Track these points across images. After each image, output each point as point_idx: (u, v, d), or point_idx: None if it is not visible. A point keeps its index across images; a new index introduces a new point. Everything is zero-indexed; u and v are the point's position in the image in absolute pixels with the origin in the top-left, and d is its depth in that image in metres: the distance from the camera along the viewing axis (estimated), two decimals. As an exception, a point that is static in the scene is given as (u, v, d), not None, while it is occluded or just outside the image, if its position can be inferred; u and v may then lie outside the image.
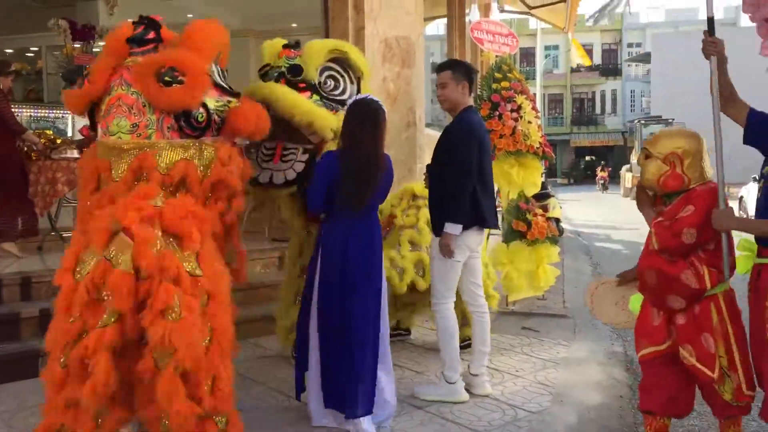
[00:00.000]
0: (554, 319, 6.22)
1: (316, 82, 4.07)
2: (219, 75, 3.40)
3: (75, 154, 6.38)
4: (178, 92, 3.03)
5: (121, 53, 3.21)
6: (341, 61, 4.23)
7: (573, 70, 45.47)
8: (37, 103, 9.37)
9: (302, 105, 3.88)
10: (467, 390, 4.14)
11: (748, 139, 3.11)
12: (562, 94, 46.67)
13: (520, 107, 6.42)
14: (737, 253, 3.21)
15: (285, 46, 4.23)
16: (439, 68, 4.23)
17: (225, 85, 3.42)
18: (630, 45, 46.43)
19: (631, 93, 45.90)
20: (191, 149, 3.16)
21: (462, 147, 3.98)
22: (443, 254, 3.98)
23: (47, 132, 7.23)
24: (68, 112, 8.49)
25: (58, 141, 6.75)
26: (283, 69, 4.05)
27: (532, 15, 12.64)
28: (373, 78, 6.36)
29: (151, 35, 3.24)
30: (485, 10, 11.36)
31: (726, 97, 3.19)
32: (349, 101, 3.71)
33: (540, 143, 6.48)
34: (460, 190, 3.94)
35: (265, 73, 4.17)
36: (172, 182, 3.09)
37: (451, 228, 3.92)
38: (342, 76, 4.21)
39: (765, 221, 3.03)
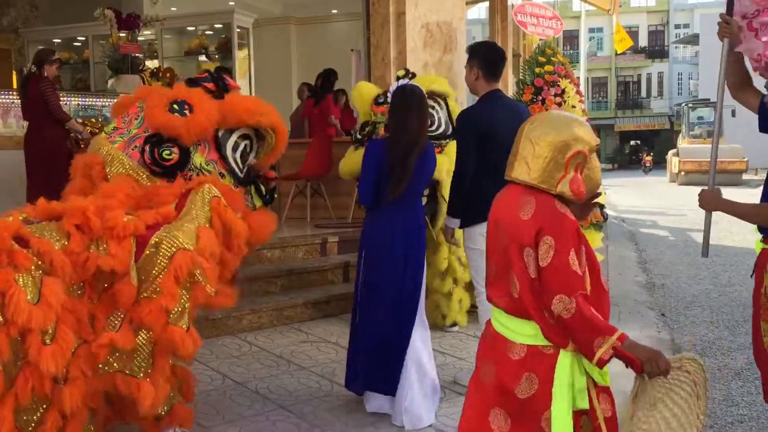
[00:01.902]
0: (598, 306, 6.13)
1: None
2: (233, 152, 3.25)
3: (121, 141, 6.47)
4: (176, 119, 2.99)
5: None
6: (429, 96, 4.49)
7: (617, 53, 44.56)
8: (84, 91, 9.55)
9: None
10: (510, 377, 4.12)
11: (763, 127, 2.98)
12: (607, 77, 45.78)
13: (563, 91, 6.33)
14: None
15: (377, 103, 4.89)
16: None
17: (233, 165, 3.25)
18: (677, 26, 45.25)
19: (679, 75, 44.82)
20: (141, 177, 3.04)
21: (458, 143, 3.99)
22: (445, 240, 4.22)
23: (92, 120, 7.36)
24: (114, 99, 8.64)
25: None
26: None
27: (576, -3, 12.39)
28: (414, 63, 6.34)
29: (210, 86, 3.26)
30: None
31: (739, 83, 3.05)
32: (391, 88, 3.70)
33: (584, 128, 6.40)
34: (453, 185, 3.98)
35: (368, 132, 4.89)
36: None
37: (448, 221, 4.08)
38: (432, 107, 4.67)
39: (751, 204, 2.89)
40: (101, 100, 8.78)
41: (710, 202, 2.94)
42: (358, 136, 5.20)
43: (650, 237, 11.49)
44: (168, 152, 3.02)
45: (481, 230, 4.01)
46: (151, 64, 9.58)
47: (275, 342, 4.94)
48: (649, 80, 45.64)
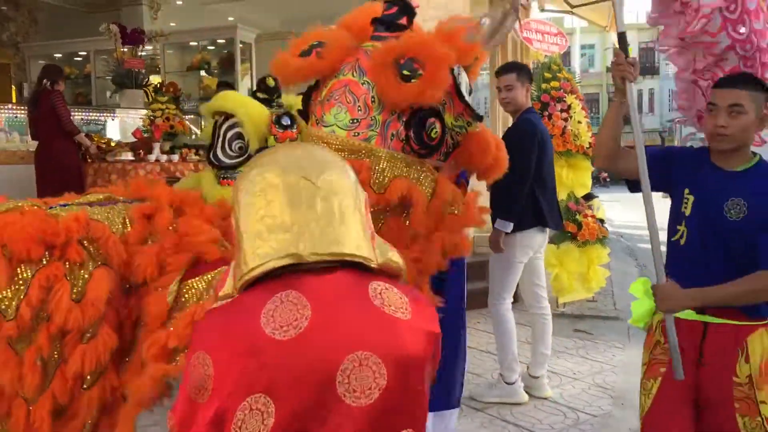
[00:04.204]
0: (606, 321, 6.15)
1: None
2: (467, 88, 2.49)
3: (129, 156, 6.47)
4: (412, 88, 2.23)
5: (363, 33, 2.48)
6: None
7: (609, 69, 44.84)
8: (86, 106, 9.55)
9: None
10: (527, 392, 4.12)
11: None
12: (599, 93, 46.09)
13: (569, 107, 6.39)
14: (634, 297, 2.58)
15: (281, 126, 3.49)
16: (502, 71, 4.22)
17: (470, 103, 2.49)
18: (668, 43, 45.70)
19: (670, 92, 45.20)
20: (413, 169, 2.34)
21: (522, 147, 3.98)
22: (492, 249, 4.03)
23: (96, 135, 7.35)
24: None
25: (112, 144, 6.87)
26: None
27: (574, 14, 12.51)
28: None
29: (403, 20, 2.51)
30: (525, 11, 11.26)
31: (618, 148, 2.64)
32: None
33: (590, 143, 6.44)
34: (516, 189, 3.95)
35: None
36: (388, 204, 2.25)
37: (501, 225, 3.97)
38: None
39: (729, 284, 2.28)
40: (104, 114, 8.79)
41: (670, 300, 2.24)
42: None
43: (649, 252, 11.51)
44: (435, 130, 2.37)
45: (527, 239, 4.07)
46: (154, 79, 9.59)
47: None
48: (640, 96, 45.95)
